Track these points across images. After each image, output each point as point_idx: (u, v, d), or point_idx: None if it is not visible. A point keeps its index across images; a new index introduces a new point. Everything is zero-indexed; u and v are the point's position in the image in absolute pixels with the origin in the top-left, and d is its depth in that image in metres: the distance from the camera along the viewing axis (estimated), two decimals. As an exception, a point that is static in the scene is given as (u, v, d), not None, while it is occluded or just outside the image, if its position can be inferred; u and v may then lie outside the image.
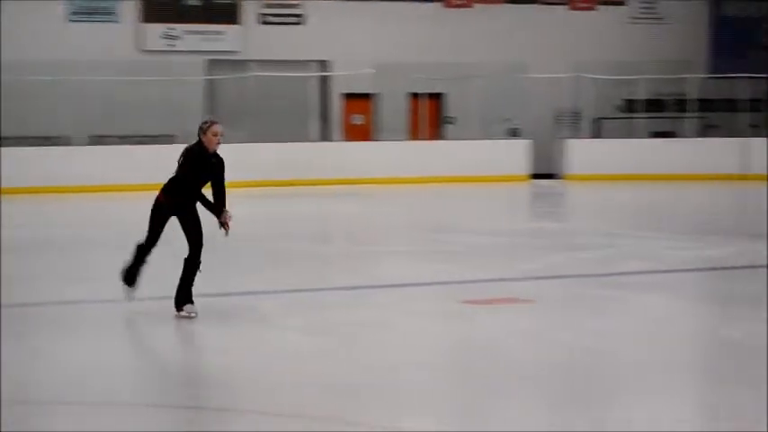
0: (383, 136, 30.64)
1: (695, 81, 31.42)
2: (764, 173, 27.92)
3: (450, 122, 31.63)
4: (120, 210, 21.10)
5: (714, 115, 31.83)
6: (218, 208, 9.68)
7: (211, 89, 29.64)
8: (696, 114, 31.62)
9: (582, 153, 29.45)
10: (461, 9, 31.86)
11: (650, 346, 8.84)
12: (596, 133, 31.52)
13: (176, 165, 9.78)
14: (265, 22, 30.73)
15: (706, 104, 31.79)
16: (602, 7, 32.86)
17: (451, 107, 31.70)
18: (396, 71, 29.84)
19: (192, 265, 9.77)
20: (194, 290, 9.84)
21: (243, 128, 26.97)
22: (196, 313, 9.78)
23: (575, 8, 32.74)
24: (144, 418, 6.94)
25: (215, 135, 9.66)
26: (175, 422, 6.91)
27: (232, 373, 8.10)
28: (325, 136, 30.82)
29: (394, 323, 9.93)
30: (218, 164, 9.70)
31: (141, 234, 9.92)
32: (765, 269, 12.73)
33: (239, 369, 8.19)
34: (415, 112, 31.31)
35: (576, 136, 30.81)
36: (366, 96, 31.19)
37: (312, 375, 7.88)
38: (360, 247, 16.11)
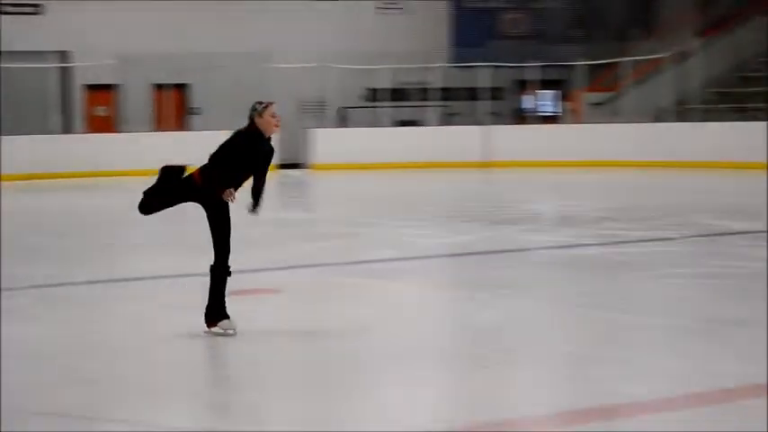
0: (127, 128, 30.06)
1: (438, 70, 32.01)
2: (506, 159, 28.75)
3: (196, 113, 31.29)
4: None
5: (456, 104, 32.52)
6: (254, 203, 8.54)
7: (-55, 81, 28.45)
8: (439, 103, 32.23)
9: (327, 143, 29.61)
10: (206, -2, 31.56)
11: (400, 333, 8.87)
12: (341, 123, 31.74)
13: (218, 148, 8.51)
14: (2, 12, 29.67)
15: (448, 93, 32.43)
16: (348, -3, 33.12)
17: (197, 98, 31.36)
18: (139, 62, 29.31)
19: (219, 273, 8.56)
20: None
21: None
22: (234, 330, 8.58)
23: (320, -2, 32.88)
24: None
25: (273, 117, 8.42)
26: None
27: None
28: (66, 128, 30.01)
29: (145, 316, 9.68)
30: (270, 153, 8.51)
31: None
32: (514, 252, 13.09)
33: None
34: (159, 103, 30.83)
35: (322, 126, 30.94)
36: (108, 88, 30.54)
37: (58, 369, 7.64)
38: (104, 239, 15.69)
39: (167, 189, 8.61)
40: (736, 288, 10.55)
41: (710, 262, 12.43)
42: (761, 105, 29.54)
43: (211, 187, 8.37)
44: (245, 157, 8.36)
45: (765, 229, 14.91)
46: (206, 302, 8.60)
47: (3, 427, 6.34)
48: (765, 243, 13.68)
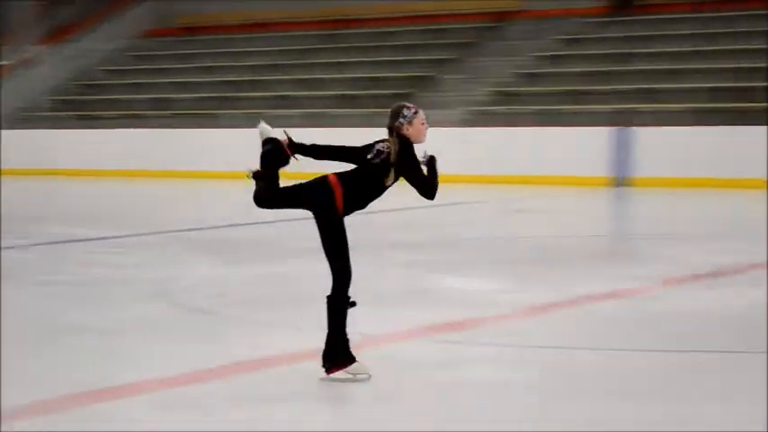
0: None
1: None
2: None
3: None
4: None
5: None
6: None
7: None
8: None
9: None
10: None
11: None
12: None
13: (370, 156, 6.87)
14: None
15: None
16: None
17: None
18: None
19: (337, 305, 6.81)
20: None
21: None
22: (368, 374, 6.76)
23: None
24: None
25: (423, 124, 7.00)
26: None
27: None
28: None
29: None
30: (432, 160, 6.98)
31: None
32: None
33: None
34: None
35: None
36: None
37: None
38: None
39: (277, 187, 6.88)
40: (86, 294, 10.26)
41: (59, 269, 12.07)
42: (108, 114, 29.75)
43: (348, 202, 6.84)
44: (397, 173, 6.92)
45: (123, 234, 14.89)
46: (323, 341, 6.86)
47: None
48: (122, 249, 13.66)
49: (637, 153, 23.06)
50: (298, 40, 32.35)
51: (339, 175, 6.83)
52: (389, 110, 7.00)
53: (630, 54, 26.94)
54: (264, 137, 6.91)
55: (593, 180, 23.57)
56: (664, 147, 22.60)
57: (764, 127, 22.50)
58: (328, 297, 6.80)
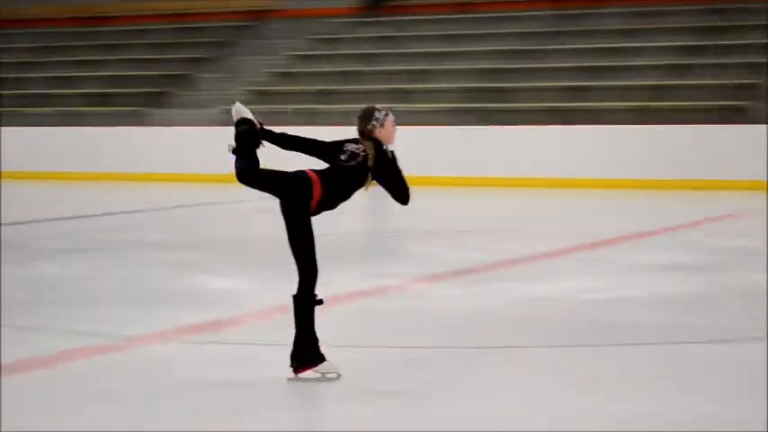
0: None
1: None
2: None
3: None
4: None
5: None
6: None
7: None
8: None
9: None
10: None
11: None
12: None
13: (343, 157, 6.89)
14: None
15: None
16: None
17: None
18: None
19: (304, 303, 6.72)
20: None
21: None
22: (337, 373, 6.71)
23: None
24: None
25: (393, 126, 7.03)
26: None
27: None
28: None
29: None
30: (394, 160, 6.98)
31: None
32: None
33: None
34: None
35: None
36: None
37: None
38: None
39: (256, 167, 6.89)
40: None
41: None
42: None
43: (323, 199, 6.83)
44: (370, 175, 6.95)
45: None
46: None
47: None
48: None
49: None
50: (51, 37, 31.70)
51: (319, 174, 6.85)
52: (359, 113, 7.02)
53: (382, 54, 27.48)
54: (239, 116, 6.96)
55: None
56: (415, 146, 23.13)
57: (514, 127, 23.39)
58: (294, 296, 6.75)
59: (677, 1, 26.26)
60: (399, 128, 7.06)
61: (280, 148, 7.06)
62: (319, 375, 6.72)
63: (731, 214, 17.52)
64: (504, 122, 23.71)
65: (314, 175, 6.82)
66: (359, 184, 6.90)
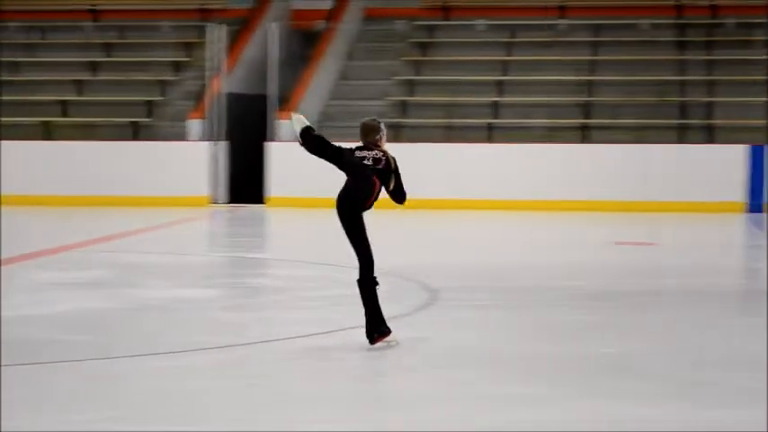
0: None
1: None
2: None
3: None
4: None
5: None
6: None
7: None
8: None
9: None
10: None
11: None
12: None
13: (369, 163, 7.95)
14: None
15: None
16: None
17: None
18: None
19: (368, 284, 7.94)
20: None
21: None
22: (397, 341, 8.13)
23: None
24: None
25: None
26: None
27: None
28: None
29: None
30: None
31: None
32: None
33: None
34: None
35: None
36: None
37: None
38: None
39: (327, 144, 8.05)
40: None
41: None
42: None
43: (368, 206, 7.92)
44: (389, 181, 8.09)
45: None
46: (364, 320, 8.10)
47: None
48: None
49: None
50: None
51: (377, 175, 7.88)
52: (363, 126, 8.02)
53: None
54: (304, 125, 7.96)
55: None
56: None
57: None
58: (358, 280, 7.95)
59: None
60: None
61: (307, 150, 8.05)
62: (386, 344, 7.98)
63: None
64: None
65: (375, 179, 7.84)
66: (385, 185, 7.86)
